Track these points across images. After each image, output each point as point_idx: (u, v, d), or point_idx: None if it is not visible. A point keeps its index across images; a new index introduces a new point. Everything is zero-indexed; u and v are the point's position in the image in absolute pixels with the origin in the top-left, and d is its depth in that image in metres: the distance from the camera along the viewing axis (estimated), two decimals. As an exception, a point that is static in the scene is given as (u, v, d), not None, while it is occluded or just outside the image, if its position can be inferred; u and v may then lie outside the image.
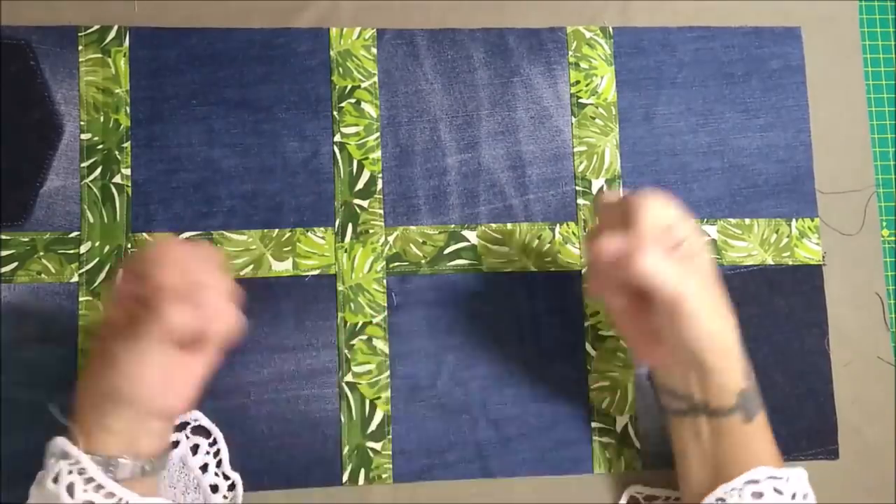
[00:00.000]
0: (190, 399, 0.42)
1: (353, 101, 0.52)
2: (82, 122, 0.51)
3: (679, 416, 0.45)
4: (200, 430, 0.48)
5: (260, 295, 0.50)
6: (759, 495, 0.41)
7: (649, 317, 0.43)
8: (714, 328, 0.42)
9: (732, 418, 0.43)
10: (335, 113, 0.52)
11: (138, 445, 0.40)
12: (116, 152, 0.51)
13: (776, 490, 0.42)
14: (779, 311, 0.53)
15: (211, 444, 0.48)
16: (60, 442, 0.40)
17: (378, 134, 0.52)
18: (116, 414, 0.40)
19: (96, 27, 0.51)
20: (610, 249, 0.41)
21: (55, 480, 0.38)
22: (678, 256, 0.41)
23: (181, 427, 0.48)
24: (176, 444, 0.47)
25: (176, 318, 0.38)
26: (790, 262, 0.53)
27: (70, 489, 0.38)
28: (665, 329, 0.42)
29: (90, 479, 0.39)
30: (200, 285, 0.40)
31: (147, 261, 0.40)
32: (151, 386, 0.40)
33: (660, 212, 0.42)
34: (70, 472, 0.39)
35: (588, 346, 0.51)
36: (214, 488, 0.47)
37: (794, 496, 0.42)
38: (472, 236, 0.52)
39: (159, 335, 0.39)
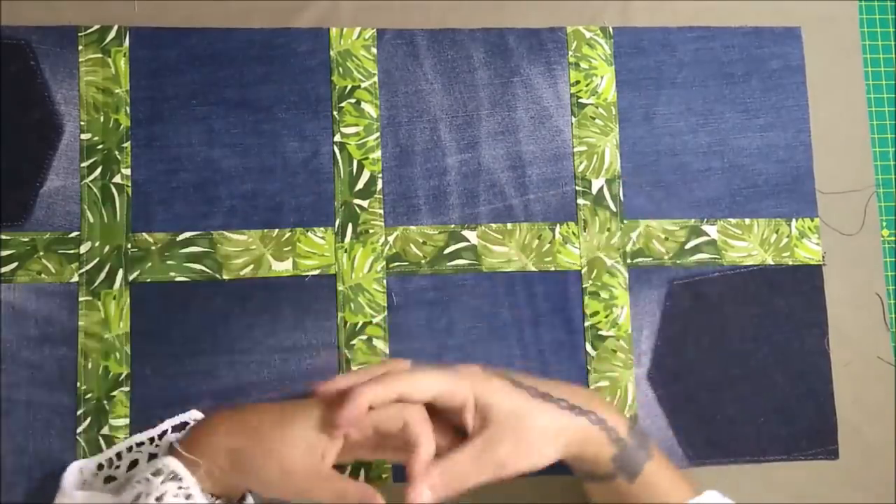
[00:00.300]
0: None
1: (353, 101, 0.52)
2: (82, 122, 0.51)
3: (584, 482, 0.46)
4: None
5: (260, 295, 0.50)
6: None
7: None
8: (551, 452, 0.42)
9: (619, 480, 0.43)
10: (335, 113, 0.52)
11: (225, 491, 0.42)
12: (116, 152, 0.51)
13: None
14: (779, 311, 0.53)
15: None
16: (174, 464, 0.40)
17: (378, 134, 0.52)
18: (227, 471, 0.41)
19: (96, 27, 0.51)
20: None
21: (158, 500, 0.39)
22: (477, 449, 0.41)
23: (180, 427, 0.47)
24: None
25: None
26: (790, 262, 0.53)
27: None
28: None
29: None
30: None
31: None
32: (268, 489, 0.42)
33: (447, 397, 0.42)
34: (175, 496, 0.39)
35: (588, 346, 0.51)
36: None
37: None
38: (472, 236, 0.52)
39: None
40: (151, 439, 0.47)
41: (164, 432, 0.47)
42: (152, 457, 0.46)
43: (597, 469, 0.43)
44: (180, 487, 0.39)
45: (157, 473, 0.40)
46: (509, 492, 0.50)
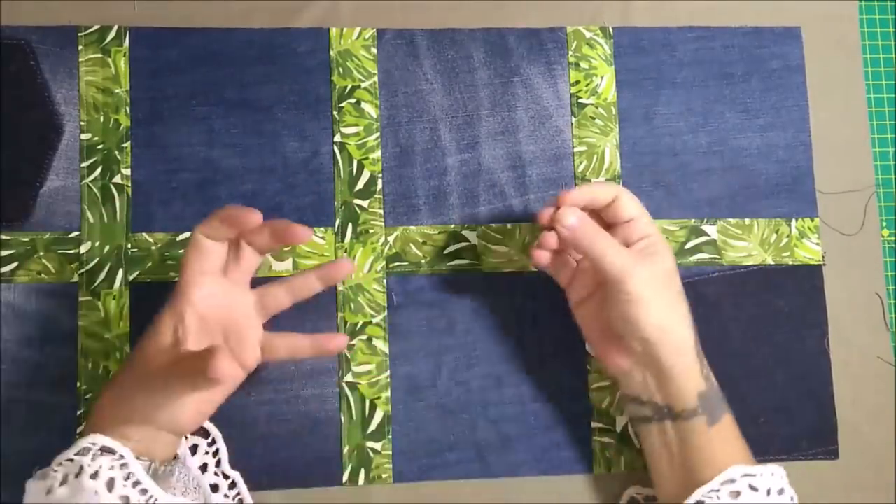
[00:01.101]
0: (205, 420, 0.44)
1: (353, 101, 0.52)
2: (82, 122, 0.51)
3: (646, 424, 0.45)
4: (199, 430, 0.48)
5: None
6: (736, 494, 0.42)
7: (607, 313, 0.44)
8: (665, 323, 0.43)
9: (696, 421, 0.43)
10: (335, 113, 0.52)
11: (152, 453, 0.41)
12: (116, 152, 0.51)
13: (751, 487, 0.42)
14: (779, 311, 0.53)
15: (210, 444, 0.48)
16: (101, 439, 0.40)
17: (378, 134, 0.52)
18: (137, 426, 0.41)
19: (96, 27, 0.51)
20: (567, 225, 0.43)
21: (93, 476, 0.38)
22: (635, 249, 0.44)
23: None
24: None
25: (225, 373, 0.38)
26: (790, 262, 0.53)
27: (109, 485, 0.38)
28: (616, 319, 0.43)
29: (129, 476, 0.39)
30: (243, 337, 0.43)
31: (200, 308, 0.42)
32: (180, 416, 0.41)
33: (626, 202, 0.44)
34: (112, 468, 0.39)
35: (588, 347, 0.51)
36: (215, 488, 0.47)
37: (769, 492, 0.42)
38: (472, 236, 0.52)
39: (202, 381, 0.40)
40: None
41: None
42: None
43: (676, 402, 0.43)
44: (115, 459, 0.39)
45: (82, 452, 0.40)
46: (509, 491, 0.50)
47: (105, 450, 0.39)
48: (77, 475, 0.39)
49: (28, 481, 0.41)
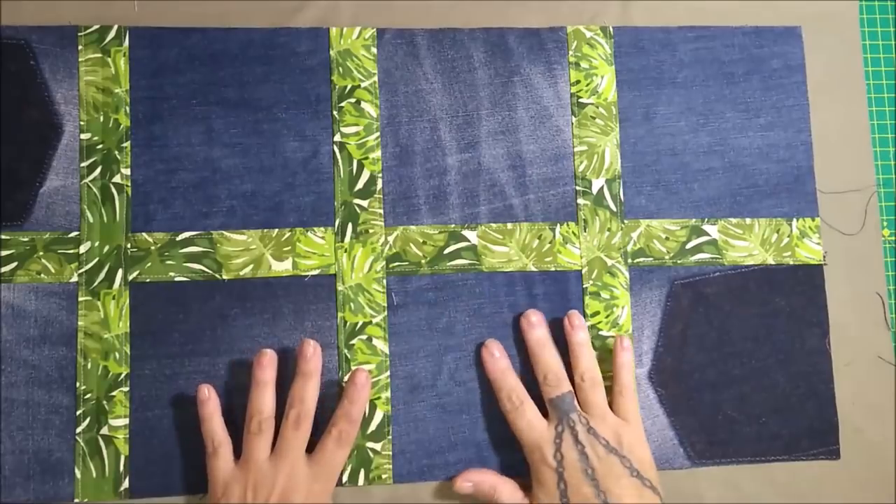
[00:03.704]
0: None
1: (353, 100, 0.52)
2: (82, 122, 0.51)
3: None
4: None
5: (260, 295, 0.50)
6: None
7: None
8: None
9: None
10: (335, 113, 0.52)
11: None
12: (116, 152, 0.51)
13: None
14: (779, 310, 0.53)
15: None
16: None
17: (378, 134, 0.52)
18: None
19: (96, 27, 0.51)
20: None
21: None
22: None
23: None
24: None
25: None
26: (791, 262, 0.53)
27: None
28: None
29: None
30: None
31: None
32: None
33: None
34: None
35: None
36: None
37: None
38: (472, 236, 0.52)
39: None
40: None
41: None
42: None
43: None
44: None
45: None
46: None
47: None
48: None
49: None
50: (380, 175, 0.52)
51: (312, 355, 0.47)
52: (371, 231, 0.51)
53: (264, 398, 0.47)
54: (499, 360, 0.50)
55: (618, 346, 0.50)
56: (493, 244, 0.52)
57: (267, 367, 0.47)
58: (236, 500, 0.44)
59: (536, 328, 0.50)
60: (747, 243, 0.53)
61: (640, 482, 0.46)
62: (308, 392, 0.47)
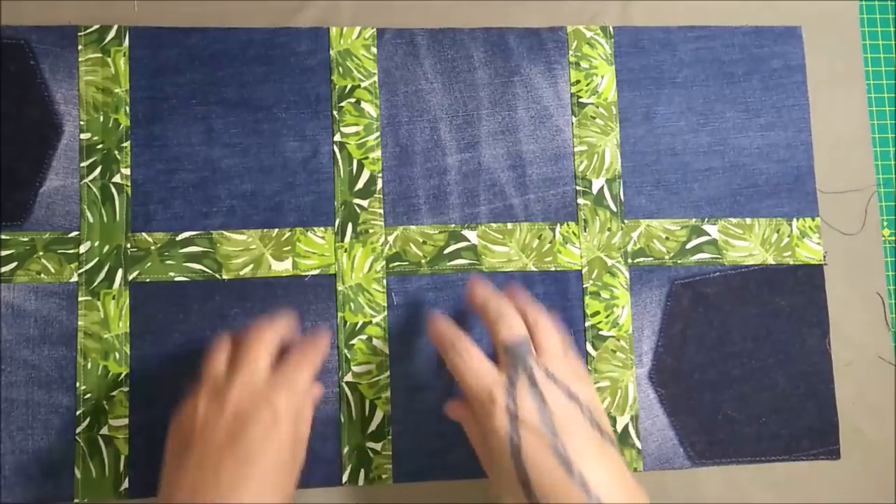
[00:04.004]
0: None
1: (353, 100, 0.52)
2: (82, 122, 0.51)
3: None
4: None
5: (260, 295, 0.50)
6: None
7: None
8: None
9: None
10: (335, 113, 0.52)
11: None
12: (116, 152, 0.51)
13: None
14: (779, 310, 0.53)
15: None
16: None
17: (378, 133, 0.52)
18: None
19: (96, 27, 0.51)
20: None
21: None
22: None
23: None
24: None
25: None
26: (791, 262, 0.53)
27: None
28: None
29: None
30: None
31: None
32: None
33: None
34: None
35: (588, 347, 0.51)
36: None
37: None
38: (472, 236, 0.52)
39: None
40: None
41: None
42: None
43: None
44: None
45: None
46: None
47: None
48: None
49: None
50: (380, 175, 0.52)
51: (325, 338, 0.46)
52: (371, 231, 0.51)
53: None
54: (440, 320, 0.45)
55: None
56: (494, 244, 0.52)
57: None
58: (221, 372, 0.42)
59: (480, 288, 0.45)
60: (747, 243, 0.53)
61: (599, 434, 0.41)
62: (314, 360, 0.45)
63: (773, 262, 0.53)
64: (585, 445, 0.40)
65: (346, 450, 0.49)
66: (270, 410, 0.40)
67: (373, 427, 0.50)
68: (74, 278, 0.49)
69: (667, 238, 0.53)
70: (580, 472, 0.38)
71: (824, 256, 0.54)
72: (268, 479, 0.39)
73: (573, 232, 0.52)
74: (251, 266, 0.50)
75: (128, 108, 0.51)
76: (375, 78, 0.53)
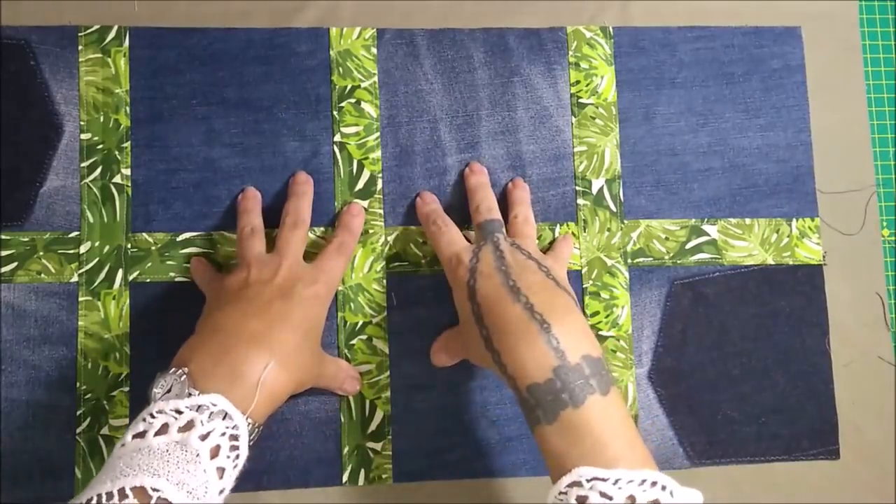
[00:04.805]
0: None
1: (353, 100, 0.52)
2: (82, 122, 0.51)
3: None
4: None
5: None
6: (583, 499, 0.35)
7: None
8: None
9: (536, 416, 0.38)
10: (335, 113, 0.52)
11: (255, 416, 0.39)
12: (116, 152, 0.51)
13: (603, 494, 0.35)
14: (779, 310, 0.53)
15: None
16: (222, 402, 0.37)
17: (378, 134, 0.52)
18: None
19: (96, 27, 0.51)
20: None
21: (203, 437, 0.36)
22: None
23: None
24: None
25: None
26: (790, 262, 0.53)
27: (214, 452, 0.36)
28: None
29: (235, 447, 0.37)
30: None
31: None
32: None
33: None
34: (223, 435, 0.36)
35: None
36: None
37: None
38: (472, 236, 0.52)
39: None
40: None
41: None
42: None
43: (516, 393, 0.40)
44: (228, 427, 0.37)
45: (198, 409, 0.37)
46: (509, 492, 0.50)
47: (225, 415, 0.37)
48: (183, 429, 0.36)
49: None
50: (380, 175, 0.52)
51: (305, 181, 0.50)
52: (371, 231, 0.51)
53: (257, 216, 0.49)
54: (429, 202, 0.51)
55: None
56: (493, 244, 0.52)
57: (251, 199, 0.50)
58: (254, 277, 0.44)
59: (478, 175, 0.51)
60: (747, 243, 0.53)
61: (555, 284, 0.42)
62: (302, 205, 0.49)
63: (772, 263, 0.53)
64: (535, 283, 0.42)
65: (346, 450, 0.49)
66: (313, 283, 0.45)
67: (373, 427, 0.50)
68: (75, 278, 0.49)
69: (666, 238, 0.53)
70: (528, 299, 0.40)
71: (824, 256, 0.54)
72: (306, 322, 0.44)
73: (573, 232, 0.52)
74: (251, 266, 0.50)
75: (128, 109, 0.51)
76: (375, 78, 0.53)
